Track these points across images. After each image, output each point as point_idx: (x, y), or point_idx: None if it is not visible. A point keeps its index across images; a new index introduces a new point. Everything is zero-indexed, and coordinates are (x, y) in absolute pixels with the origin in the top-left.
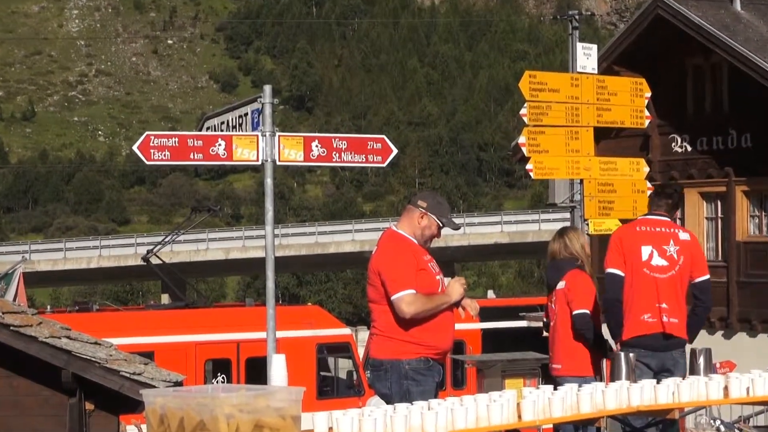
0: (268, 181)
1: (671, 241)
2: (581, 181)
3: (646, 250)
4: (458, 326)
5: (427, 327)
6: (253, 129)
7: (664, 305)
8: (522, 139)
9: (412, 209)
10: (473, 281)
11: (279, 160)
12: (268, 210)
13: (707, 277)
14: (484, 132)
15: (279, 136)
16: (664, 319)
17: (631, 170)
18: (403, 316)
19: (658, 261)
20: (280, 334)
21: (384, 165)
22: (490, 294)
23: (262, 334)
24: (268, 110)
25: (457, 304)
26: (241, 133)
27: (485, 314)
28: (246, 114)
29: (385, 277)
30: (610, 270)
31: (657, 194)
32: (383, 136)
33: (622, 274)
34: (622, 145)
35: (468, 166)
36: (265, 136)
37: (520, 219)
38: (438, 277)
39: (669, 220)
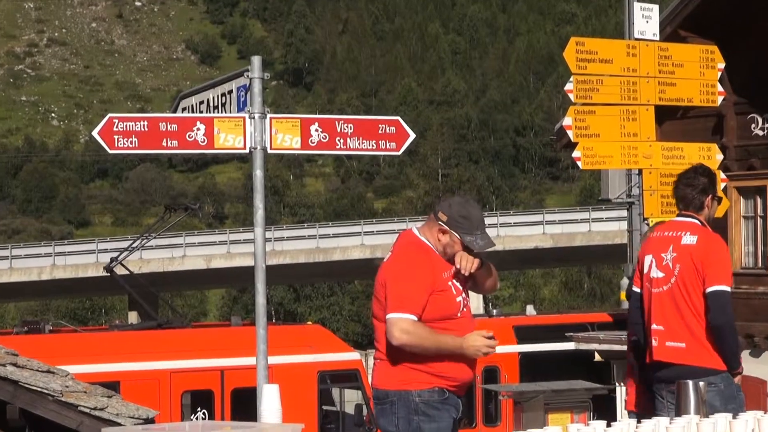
0: (258, 173)
1: (670, 247)
2: (640, 171)
3: (647, 261)
4: None
5: (444, 355)
6: (239, 110)
7: (656, 326)
8: (567, 121)
9: (434, 222)
10: (509, 294)
11: (271, 148)
12: (258, 208)
13: (719, 288)
14: (521, 112)
15: (271, 118)
16: (654, 342)
17: (702, 158)
18: (391, 341)
19: (655, 272)
20: (273, 359)
21: (399, 153)
22: (530, 310)
23: (251, 360)
24: (257, 87)
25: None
26: (224, 115)
27: (524, 334)
28: (230, 91)
29: (389, 290)
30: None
31: (676, 187)
32: (398, 118)
33: (639, 290)
34: (690, 127)
35: (502, 154)
36: (253, 118)
37: (566, 218)
38: (459, 299)
39: (691, 220)
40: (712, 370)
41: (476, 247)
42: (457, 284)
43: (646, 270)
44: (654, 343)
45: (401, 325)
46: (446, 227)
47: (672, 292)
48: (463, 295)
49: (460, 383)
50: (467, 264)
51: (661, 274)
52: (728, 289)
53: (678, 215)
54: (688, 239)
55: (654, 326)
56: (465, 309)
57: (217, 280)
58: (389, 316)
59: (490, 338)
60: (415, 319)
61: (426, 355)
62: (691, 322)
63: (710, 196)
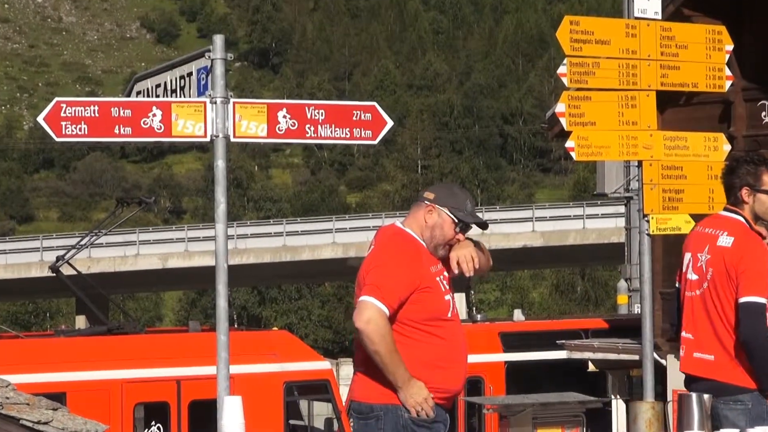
0: (220, 164)
1: (706, 247)
2: (639, 163)
3: (686, 259)
4: (473, 358)
5: (433, 363)
6: (200, 94)
7: (685, 334)
8: (560, 108)
9: (419, 205)
10: (494, 298)
11: (234, 136)
12: (219, 202)
13: (752, 299)
14: (509, 98)
15: (234, 103)
16: (682, 352)
17: (707, 149)
18: (354, 321)
19: (691, 274)
20: (235, 369)
21: (375, 142)
22: (518, 315)
23: (210, 370)
24: (219, 69)
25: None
26: (183, 99)
27: (511, 342)
28: (190, 74)
29: (369, 278)
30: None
31: (724, 175)
32: (374, 104)
33: (677, 286)
34: (694, 115)
35: (488, 143)
36: (215, 103)
37: (557, 215)
38: (448, 298)
39: (734, 217)
40: (741, 388)
41: (471, 221)
42: (445, 282)
43: (684, 269)
44: (682, 352)
45: (370, 312)
46: (434, 204)
47: (704, 298)
48: (452, 294)
49: (451, 394)
50: (469, 264)
51: (695, 277)
52: (762, 300)
53: (723, 209)
54: (724, 240)
55: (684, 334)
56: (454, 310)
57: (174, 281)
58: (362, 298)
59: (429, 403)
60: (386, 311)
61: (409, 350)
62: (722, 332)
63: (746, 189)
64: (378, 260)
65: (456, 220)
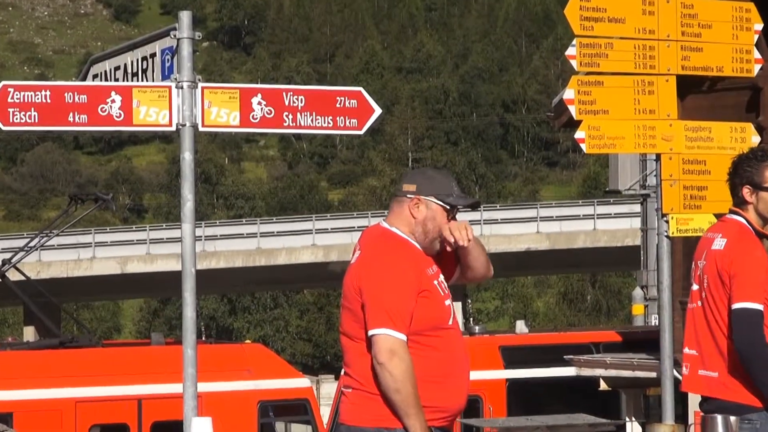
0: (187, 156)
1: (704, 254)
2: (658, 157)
3: (692, 269)
4: (472, 375)
5: (429, 378)
6: (164, 78)
7: (689, 350)
8: (569, 94)
9: (400, 201)
10: (494, 307)
11: (203, 125)
12: (186, 200)
13: (743, 305)
14: (511, 83)
15: (203, 88)
16: (684, 370)
17: (733, 140)
18: (375, 357)
19: (693, 284)
20: (204, 387)
21: (361, 132)
22: (521, 326)
23: (175, 388)
24: (186, 49)
25: None
26: (145, 84)
27: (513, 357)
28: (153, 55)
29: (370, 298)
30: None
31: (728, 173)
32: (360, 89)
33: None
34: (719, 102)
35: (487, 134)
36: (181, 88)
37: (565, 214)
38: (447, 303)
39: (735, 218)
40: (748, 407)
41: (462, 204)
42: (443, 284)
43: (691, 281)
44: (685, 371)
45: (392, 344)
46: (419, 196)
47: (704, 310)
48: (451, 299)
49: (451, 414)
50: (462, 232)
51: (695, 287)
52: (756, 306)
53: (729, 211)
54: (718, 243)
55: (687, 350)
56: (454, 318)
57: (134, 288)
58: (375, 331)
59: None
60: (404, 339)
61: (391, 400)
62: (724, 346)
63: (747, 187)
64: (376, 274)
65: (447, 207)
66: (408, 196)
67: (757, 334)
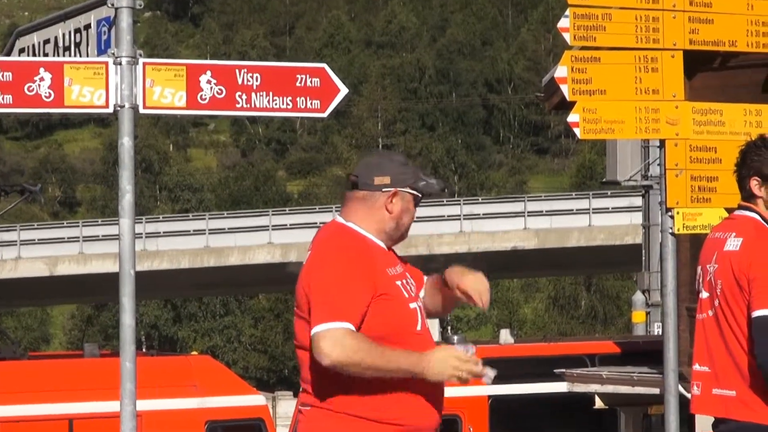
0: (126, 142)
1: (714, 256)
2: (662, 143)
3: (698, 275)
4: (448, 391)
5: (396, 391)
6: (100, 52)
7: (700, 367)
8: (561, 72)
9: (371, 196)
10: (476, 315)
11: (144, 106)
12: (125, 191)
13: (766, 312)
14: (495, 59)
15: (144, 64)
16: (695, 390)
17: (748, 125)
18: (320, 362)
19: (702, 292)
20: (144, 405)
21: (325, 115)
22: (505, 336)
23: (112, 406)
24: (125, 20)
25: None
26: (78, 59)
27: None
28: (87, 26)
29: (314, 296)
30: None
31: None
32: (324, 66)
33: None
34: (732, 82)
35: (468, 117)
36: (120, 64)
37: (556, 208)
38: (413, 305)
39: (748, 215)
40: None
41: (435, 191)
42: (410, 286)
43: (698, 286)
44: (696, 390)
45: (332, 336)
46: (395, 189)
47: (717, 319)
48: (419, 302)
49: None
50: (485, 296)
51: (705, 295)
52: None
53: (738, 206)
54: (732, 244)
55: (697, 367)
56: (423, 323)
57: (65, 293)
58: (316, 329)
59: (465, 358)
60: (350, 327)
61: (366, 378)
62: (741, 360)
63: (755, 179)
64: (321, 270)
65: (420, 195)
66: (384, 189)
67: None
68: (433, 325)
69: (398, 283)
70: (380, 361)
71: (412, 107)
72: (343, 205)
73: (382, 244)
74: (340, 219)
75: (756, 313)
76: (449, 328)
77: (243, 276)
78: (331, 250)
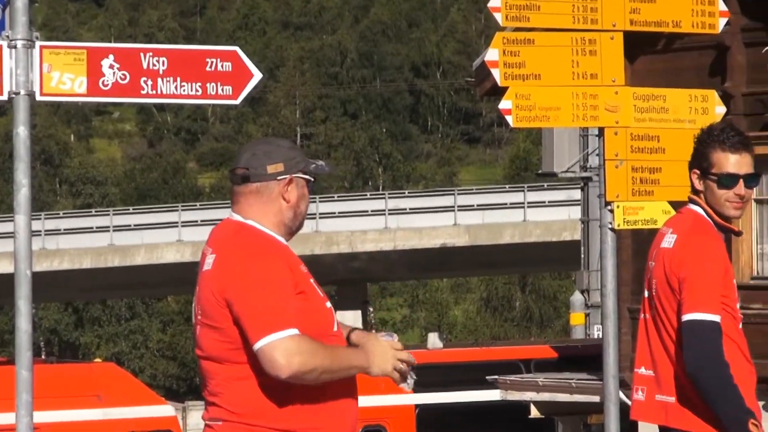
0: (22, 132)
1: (654, 254)
2: (601, 132)
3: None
4: (372, 400)
5: (309, 398)
6: None
7: (643, 371)
8: (492, 55)
9: (265, 187)
10: (402, 317)
11: (41, 93)
12: (20, 185)
13: (694, 316)
14: (422, 41)
15: (42, 47)
16: (638, 395)
17: (694, 111)
18: (277, 375)
19: (645, 290)
20: (42, 416)
21: (237, 101)
22: (434, 340)
23: (7, 418)
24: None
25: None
26: None
27: (424, 378)
28: None
29: (246, 307)
30: None
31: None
32: (236, 49)
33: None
34: (677, 65)
35: (394, 104)
36: (14, 47)
37: (488, 202)
38: (329, 305)
39: (693, 209)
40: None
41: (327, 171)
42: (318, 285)
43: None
44: (640, 395)
45: (286, 346)
46: (290, 175)
47: (655, 322)
48: (330, 302)
49: None
50: (411, 381)
51: (647, 294)
52: (710, 317)
53: (688, 200)
54: (668, 240)
55: (640, 370)
56: (338, 324)
57: None
58: (263, 342)
59: (399, 348)
60: (297, 333)
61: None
62: (679, 365)
63: (695, 172)
64: (248, 279)
65: (312, 179)
66: (278, 177)
67: (712, 350)
68: (354, 324)
69: (311, 281)
70: (334, 362)
71: (333, 93)
72: (234, 202)
73: (283, 241)
74: (237, 217)
75: (685, 317)
76: (373, 330)
77: (150, 276)
78: (248, 253)
